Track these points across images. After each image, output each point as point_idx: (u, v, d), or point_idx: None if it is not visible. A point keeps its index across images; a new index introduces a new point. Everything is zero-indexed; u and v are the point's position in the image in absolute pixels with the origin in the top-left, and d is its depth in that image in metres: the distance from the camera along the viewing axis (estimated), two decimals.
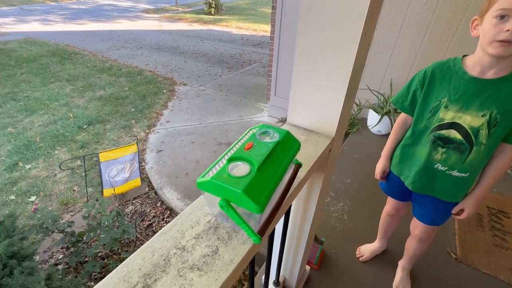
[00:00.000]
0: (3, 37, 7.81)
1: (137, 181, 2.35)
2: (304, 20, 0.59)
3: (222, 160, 0.41)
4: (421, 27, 2.34)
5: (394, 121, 2.45)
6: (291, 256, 1.17)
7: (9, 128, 3.46)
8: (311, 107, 0.69)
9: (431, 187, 1.01)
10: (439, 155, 0.94)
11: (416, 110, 0.98)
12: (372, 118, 2.67)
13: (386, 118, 2.52)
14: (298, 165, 0.53)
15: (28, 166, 2.83)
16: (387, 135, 2.68)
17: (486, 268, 1.47)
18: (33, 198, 2.49)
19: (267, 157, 0.41)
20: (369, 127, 2.76)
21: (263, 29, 9.86)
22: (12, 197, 2.48)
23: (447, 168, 0.93)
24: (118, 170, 2.16)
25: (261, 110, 4.15)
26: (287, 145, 0.47)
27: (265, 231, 0.39)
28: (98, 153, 2.07)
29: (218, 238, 0.43)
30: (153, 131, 3.56)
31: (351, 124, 2.77)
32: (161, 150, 3.18)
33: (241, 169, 0.39)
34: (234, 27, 10.42)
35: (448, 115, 0.88)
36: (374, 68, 2.69)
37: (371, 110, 2.65)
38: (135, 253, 0.40)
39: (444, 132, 0.90)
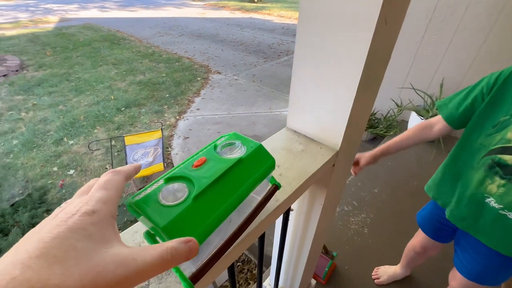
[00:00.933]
0: (66, 22, 8.68)
1: (159, 166, 2.41)
2: (305, 2, 0.46)
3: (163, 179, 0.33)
4: (489, 16, 1.94)
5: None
6: (291, 268, 1.07)
7: (60, 106, 3.84)
8: (313, 112, 0.57)
9: (474, 225, 0.78)
10: (495, 187, 0.70)
11: (473, 121, 0.76)
12: (414, 121, 2.35)
13: None
14: (275, 187, 0.42)
15: (71, 142, 3.11)
16: (431, 143, 2.35)
17: None
18: (71, 171, 2.73)
19: (215, 181, 0.32)
20: None
21: None
22: (55, 168, 2.75)
23: (502, 206, 0.70)
24: (142, 154, 2.24)
25: None
26: (254, 163, 0.37)
27: (200, 277, 0.30)
28: (124, 136, 2.16)
29: None
30: (182, 117, 3.65)
31: (388, 126, 2.48)
32: (187, 137, 3.25)
33: (178, 194, 0.30)
34: (276, 15, 10.14)
35: None
36: (422, 64, 2.34)
37: (414, 112, 2.33)
38: None
39: (507, 158, 0.67)
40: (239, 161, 0.35)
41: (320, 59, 0.50)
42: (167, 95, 4.20)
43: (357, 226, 1.63)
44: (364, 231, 1.60)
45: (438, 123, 0.84)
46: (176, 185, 0.31)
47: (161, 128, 2.36)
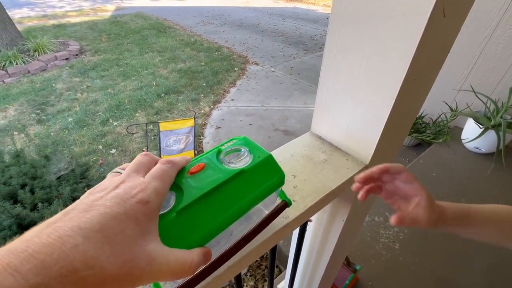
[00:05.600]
0: (121, 11, 9.32)
1: (190, 154, 2.49)
2: None
3: None
4: None
5: (503, 140, 1.81)
6: (307, 278, 1.01)
7: (109, 89, 4.16)
8: (341, 117, 0.49)
9: None
10: None
11: None
12: (471, 129, 2.05)
13: (491, 133, 1.89)
14: (285, 203, 0.37)
15: (115, 123, 3.37)
16: (489, 155, 2.04)
17: None
18: (113, 150, 2.97)
19: (207, 194, 0.27)
20: (463, 141, 2.15)
21: None
22: (100, 147, 3.01)
23: None
24: (174, 140, 2.32)
25: None
26: (259, 177, 0.32)
27: None
28: (158, 122, 2.26)
29: None
30: (217, 107, 3.70)
31: (437, 132, 2.21)
32: (220, 127, 3.29)
33: (164, 203, 0.27)
34: (321, 5, 9.66)
35: None
36: (488, 63, 2.01)
37: (471, 119, 2.03)
38: None
39: None
40: (240, 172, 0.30)
41: (354, 56, 0.42)
42: (204, 84, 4.29)
43: (388, 240, 1.49)
44: (395, 246, 1.46)
45: None
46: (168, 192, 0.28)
47: (194, 117, 2.41)
